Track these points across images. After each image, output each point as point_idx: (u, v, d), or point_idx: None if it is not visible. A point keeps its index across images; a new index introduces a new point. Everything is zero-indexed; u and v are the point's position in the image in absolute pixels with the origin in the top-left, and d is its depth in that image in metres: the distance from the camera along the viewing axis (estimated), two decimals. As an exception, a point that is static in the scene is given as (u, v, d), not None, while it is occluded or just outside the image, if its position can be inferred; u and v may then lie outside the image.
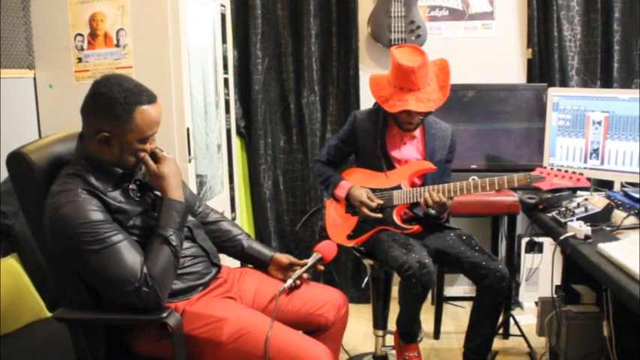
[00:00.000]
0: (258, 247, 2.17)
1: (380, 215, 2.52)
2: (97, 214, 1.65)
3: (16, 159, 1.73)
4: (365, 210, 2.52)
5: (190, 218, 1.97)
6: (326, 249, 2.15)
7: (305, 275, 2.07)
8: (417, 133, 2.59)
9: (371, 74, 2.58)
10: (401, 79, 2.39)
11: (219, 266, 2.01)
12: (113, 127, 1.69)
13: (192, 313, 1.80)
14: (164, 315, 1.68)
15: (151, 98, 1.73)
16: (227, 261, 2.19)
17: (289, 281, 2.01)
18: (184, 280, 1.84)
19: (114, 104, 1.67)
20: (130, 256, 1.66)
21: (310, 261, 2.11)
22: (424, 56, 2.39)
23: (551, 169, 2.26)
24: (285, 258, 2.14)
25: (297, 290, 2.04)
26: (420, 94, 2.38)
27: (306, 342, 1.80)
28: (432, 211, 2.46)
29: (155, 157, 1.81)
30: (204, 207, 2.20)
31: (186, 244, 1.88)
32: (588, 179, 2.20)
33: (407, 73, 2.36)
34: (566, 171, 2.22)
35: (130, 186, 1.81)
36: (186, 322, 1.77)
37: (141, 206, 1.80)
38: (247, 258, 2.16)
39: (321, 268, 2.15)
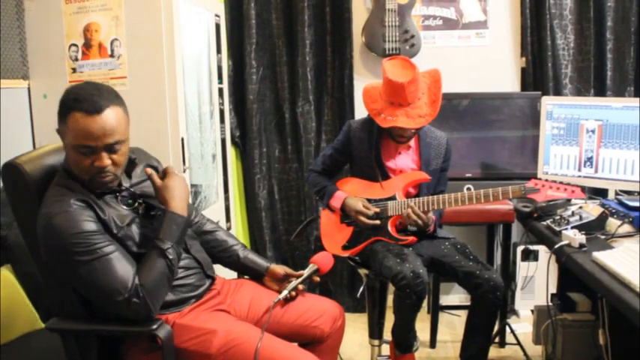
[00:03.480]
0: (254, 257, 2.15)
1: (378, 222, 2.51)
2: (89, 225, 1.65)
3: (10, 170, 1.74)
4: (362, 218, 2.52)
5: None
6: (322, 260, 2.13)
7: (300, 287, 2.05)
8: (412, 142, 2.59)
9: (364, 85, 2.58)
10: (391, 94, 2.39)
11: (212, 278, 1.99)
12: (60, 125, 1.70)
13: (183, 325, 1.79)
14: (154, 327, 1.68)
15: (95, 109, 1.65)
16: (223, 272, 2.18)
17: (284, 292, 1.99)
18: (177, 292, 1.84)
19: (61, 102, 1.69)
20: (122, 266, 1.66)
21: (306, 272, 2.08)
22: (415, 70, 2.38)
23: (546, 180, 2.26)
24: (280, 269, 2.12)
25: (292, 302, 2.02)
26: (410, 110, 2.38)
27: (297, 354, 1.78)
28: (413, 229, 2.50)
29: (164, 171, 1.85)
30: (201, 217, 2.19)
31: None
32: (583, 190, 2.20)
33: (397, 88, 2.35)
34: (562, 183, 2.22)
35: (123, 194, 1.82)
36: (177, 334, 1.76)
37: (131, 215, 1.80)
38: (243, 268, 2.15)
39: (317, 279, 2.13)
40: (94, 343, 1.79)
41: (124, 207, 1.81)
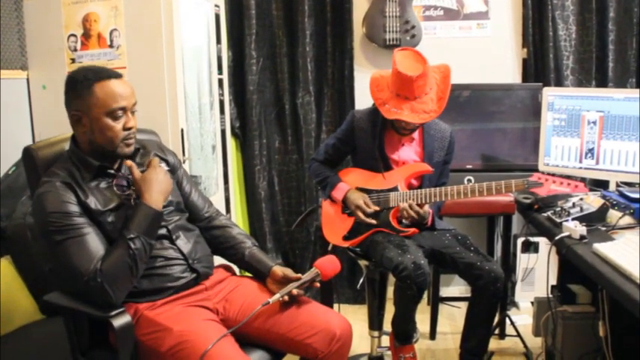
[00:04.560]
0: (260, 257, 2.08)
1: (374, 221, 2.50)
2: (67, 206, 1.72)
3: (26, 154, 1.91)
4: (360, 214, 2.52)
5: (174, 218, 1.96)
6: (326, 266, 1.96)
7: (295, 291, 1.89)
8: (416, 134, 2.58)
9: (369, 74, 2.56)
10: (399, 86, 2.36)
11: (199, 273, 1.94)
12: (79, 104, 1.78)
13: (148, 318, 1.78)
14: (111, 313, 1.70)
15: (113, 75, 1.81)
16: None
17: (276, 296, 1.84)
18: (153, 280, 1.83)
19: (75, 83, 1.78)
20: (89, 249, 1.71)
21: (305, 277, 1.92)
22: (425, 65, 2.35)
23: (550, 174, 2.25)
24: (280, 271, 2.01)
25: (289, 310, 1.89)
26: (416, 104, 2.36)
27: None
28: (405, 221, 2.49)
29: (149, 162, 1.89)
30: (214, 212, 2.18)
31: (161, 246, 1.87)
32: (585, 185, 2.19)
33: (405, 81, 2.33)
34: (565, 177, 2.21)
35: (116, 181, 1.86)
36: (140, 326, 1.77)
37: (118, 201, 1.83)
38: (246, 267, 2.11)
39: (317, 285, 1.97)
40: (86, 322, 1.84)
41: (118, 192, 1.84)
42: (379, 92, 2.47)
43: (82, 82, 1.77)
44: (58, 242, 1.70)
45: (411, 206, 2.42)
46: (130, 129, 1.83)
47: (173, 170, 2.08)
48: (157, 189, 1.83)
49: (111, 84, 1.78)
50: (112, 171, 1.88)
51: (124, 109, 1.80)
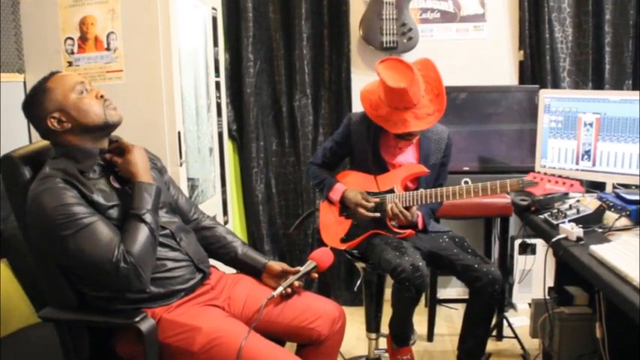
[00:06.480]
0: (252, 254, 2.13)
1: (377, 214, 2.50)
2: (70, 198, 1.67)
3: (6, 162, 1.80)
4: (362, 211, 2.50)
5: (174, 220, 1.96)
6: (321, 257, 2.05)
7: (296, 283, 1.99)
8: (412, 136, 2.58)
9: (360, 83, 2.53)
10: (395, 100, 2.34)
11: (205, 272, 1.97)
12: (49, 107, 1.77)
13: (169, 320, 1.78)
14: (137, 319, 1.68)
15: (54, 72, 1.85)
16: (221, 268, 2.17)
17: (279, 289, 1.94)
18: (165, 284, 1.82)
19: (32, 97, 1.79)
20: (106, 235, 1.67)
21: (303, 269, 2.02)
22: (413, 71, 2.31)
23: (545, 174, 2.25)
24: (277, 265, 2.08)
25: (289, 301, 1.97)
26: (418, 111, 2.35)
27: (281, 355, 1.76)
28: (393, 223, 2.48)
29: (122, 146, 1.86)
30: (200, 213, 2.18)
31: (167, 249, 1.87)
32: (582, 184, 2.19)
33: (400, 93, 2.30)
34: (560, 176, 2.21)
35: (111, 178, 1.84)
36: (162, 329, 1.76)
37: (120, 199, 1.81)
38: (241, 265, 2.13)
39: (315, 276, 2.06)
40: (86, 335, 1.81)
41: (117, 185, 1.83)
42: (376, 110, 2.44)
43: (35, 93, 1.78)
44: (68, 236, 1.64)
45: (396, 205, 2.42)
46: (102, 96, 1.82)
47: (161, 172, 2.08)
48: (144, 167, 1.84)
49: (60, 75, 1.82)
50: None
51: (82, 83, 1.80)
